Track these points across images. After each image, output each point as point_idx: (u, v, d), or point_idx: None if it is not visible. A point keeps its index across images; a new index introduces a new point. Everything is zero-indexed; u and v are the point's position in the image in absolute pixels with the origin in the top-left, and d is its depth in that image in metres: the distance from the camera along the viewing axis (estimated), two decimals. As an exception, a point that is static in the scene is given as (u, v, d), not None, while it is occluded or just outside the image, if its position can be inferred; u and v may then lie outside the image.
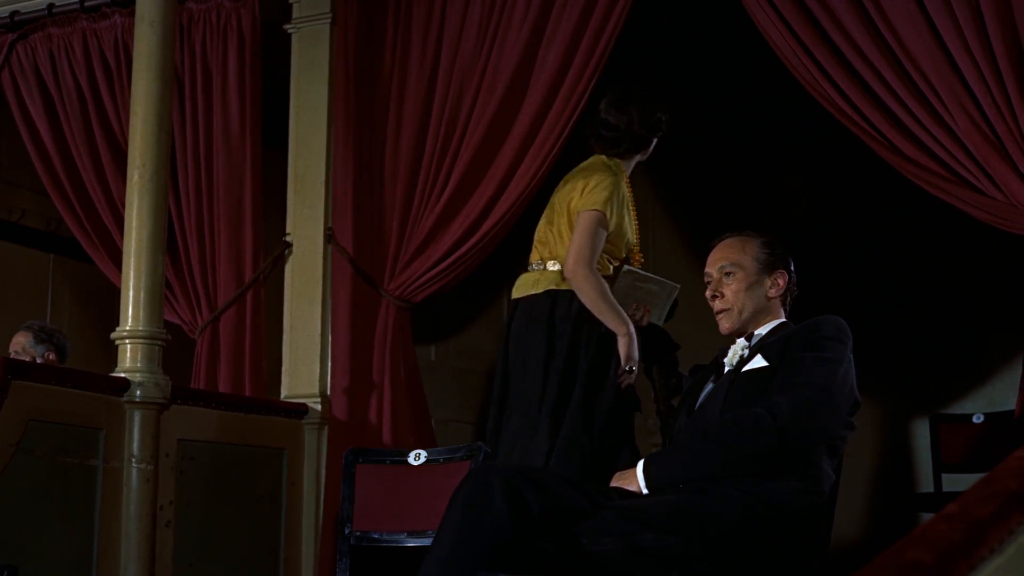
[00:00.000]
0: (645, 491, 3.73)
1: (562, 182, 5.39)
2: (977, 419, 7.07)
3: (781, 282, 4.06)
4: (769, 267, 4.07)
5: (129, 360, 4.92)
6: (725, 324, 4.07)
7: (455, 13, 5.89)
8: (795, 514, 3.62)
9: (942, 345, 7.56)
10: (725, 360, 4.04)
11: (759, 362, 3.88)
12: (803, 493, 3.66)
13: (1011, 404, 4.97)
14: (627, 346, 5.08)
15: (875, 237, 7.76)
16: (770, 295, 4.05)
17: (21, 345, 6.48)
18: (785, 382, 3.73)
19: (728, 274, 4.07)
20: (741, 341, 4.03)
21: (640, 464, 3.81)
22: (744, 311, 4.03)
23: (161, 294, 5.03)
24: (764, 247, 4.12)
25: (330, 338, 5.93)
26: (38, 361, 6.33)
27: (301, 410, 5.79)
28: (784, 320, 4.08)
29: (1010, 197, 4.68)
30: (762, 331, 4.04)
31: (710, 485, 3.63)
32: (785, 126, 7.84)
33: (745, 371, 3.90)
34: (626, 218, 5.34)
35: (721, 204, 7.96)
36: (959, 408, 7.40)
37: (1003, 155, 4.68)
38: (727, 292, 4.06)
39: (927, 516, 6.93)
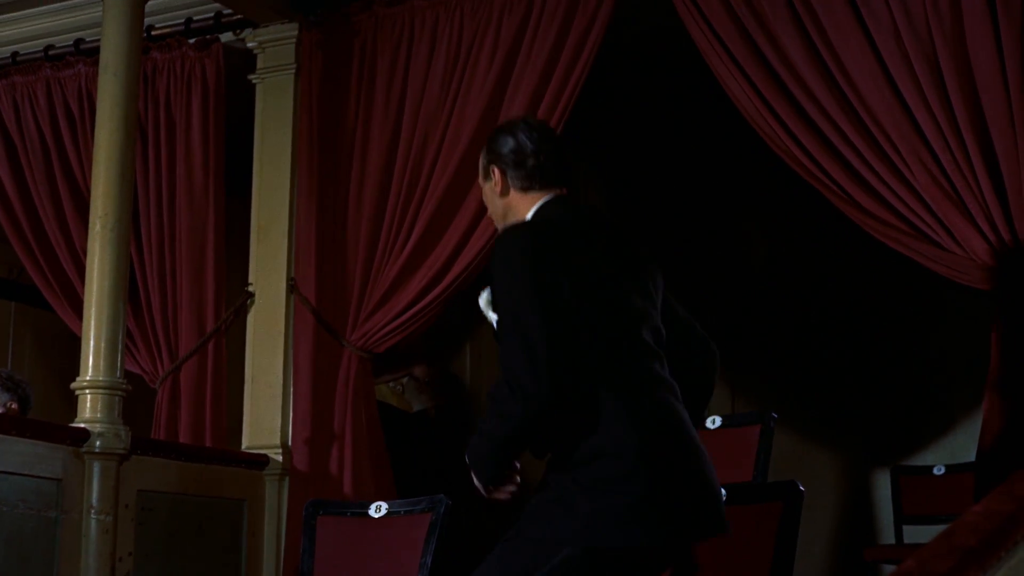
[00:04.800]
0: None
1: None
2: (938, 470, 7.09)
3: (497, 177, 3.57)
4: (486, 171, 3.62)
5: (89, 410, 4.90)
6: None
7: (419, 64, 5.91)
8: (601, 467, 3.26)
9: (903, 396, 7.58)
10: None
11: (493, 316, 3.45)
12: (600, 449, 3.27)
13: (972, 455, 4.98)
14: None
15: (835, 287, 7.79)
16: (501, 196, 3.58)
17: (-15, 391, 6.43)
18: (501, 336, 3.32)
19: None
20: (486, 293, 3.52)
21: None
22: (499, 223, 3.63)
23: (122, 344, 5.02)
24: (482, 152, 3.67)
25: (292, 389, 5.92)
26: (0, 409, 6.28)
27: (262, 461, 5.77)
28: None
29: (968, 251, 4.71)
30: None
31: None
32: (745, 173, 7.88)
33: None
34: None
35: (681, 251, 7.99)
36: (920, 459, 7.41)
37: (961, 209, 4.72)
38: None
39: (888, 568, 6.95)
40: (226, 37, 6.36)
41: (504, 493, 3.44)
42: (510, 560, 3.30)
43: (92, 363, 4.93)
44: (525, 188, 3.54)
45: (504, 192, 3.57)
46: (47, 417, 5.79)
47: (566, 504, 3.26)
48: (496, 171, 3.57)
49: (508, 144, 3.56)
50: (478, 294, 3.52)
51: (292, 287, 6.00)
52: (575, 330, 3.27)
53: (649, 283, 3.53)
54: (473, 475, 3.43)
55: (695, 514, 3.31)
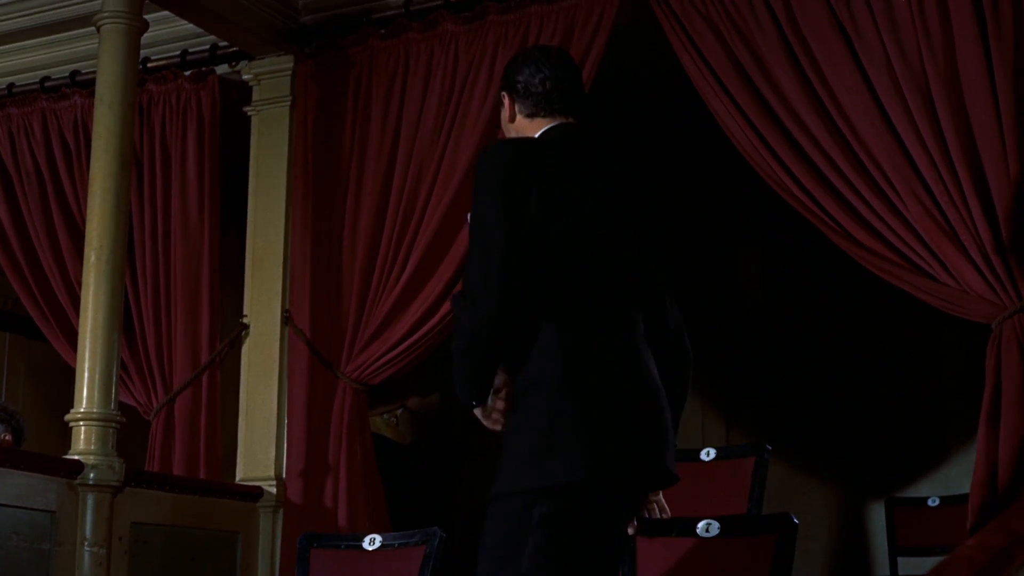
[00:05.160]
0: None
1: None
2: (932, 502, 7.08)
3: (507, 103, 3.64)
4: (499, 97, 3.69)
5: (83, 442, 4.89)
6: None
7: (414, 97, 5.93)
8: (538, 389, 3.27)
9: (897, 428, 7.58)
10: None
11: None
12: (530, 382, 3.29)
13: (966, 487, 4.98)
14: None
15: (830, 320, 7.80)
16: (510, 122, 3.65)
17: (-20, 422, 6.42)
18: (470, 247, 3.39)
19: None
20: None
21: None
22: None
23: (116, 375, 5.02)
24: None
25: (286, 420, 5.91)
26: (-7, 441, 6.27)
27: (256, 493, 5.76)
28: None
29: (962, 283, 4.73)
30: None
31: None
32: (740, 204, 7.89)
33: None
34: None
35: (676, 286, 7.99)
36: (914, 491, 7.41)
37: (955, 242, 4.73)
38: None
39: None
40: (221, 69, 6.39)
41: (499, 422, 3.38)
42: (493, 537, 3.27)
43: (86, 395, 4.93)
44: (531, 114, 3.58)
45: (512, 118, 3.62)
46: (41, 449, 5.78)
47: (506, 449, 3.28)
48: (506, 97, 3.63)
49: (518, 72, 3.61)
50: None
51: (287, 319, 6.00)
52: (536, 251, 3.27)
53: (640, 221, 3.52)
54: None
55: (624, 455, 3.26)
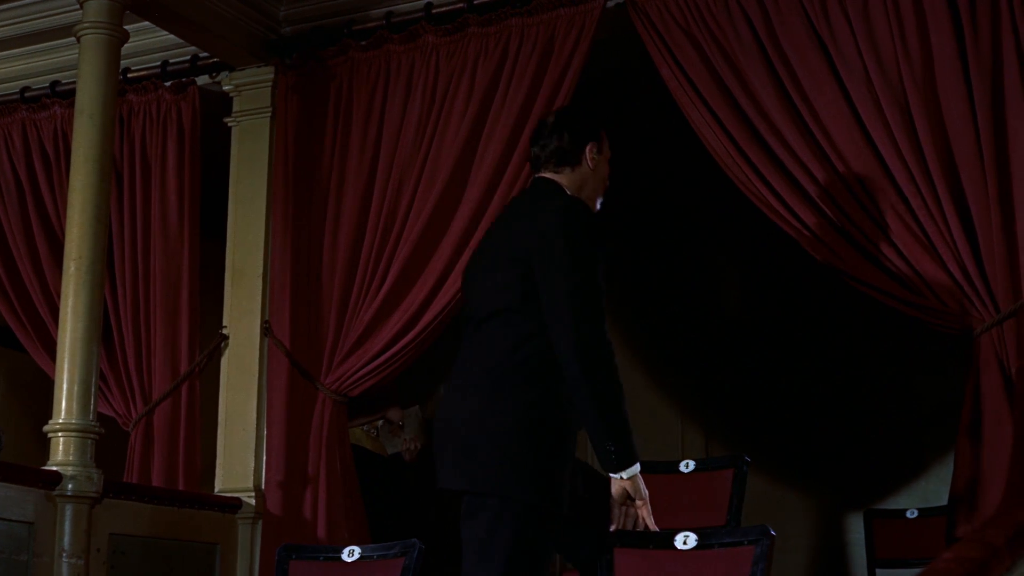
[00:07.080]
0: None
1: None
2: (911, 514, 7.09)
3: None
4: None
5: (61, 453, 4.88)
6: None
7: (395, 108, 5.93)
8: None
9: (876, 440, 7.60)
10: None
11: None
12: None
13: (944, 499, 5.00)
14: None
15: (809, 331, 7.82)
16: None
17: (-43, 435, 6.40)
18: None
19: None
20: None
21: None
22: None
23: (95, 386, 5.01)
24: None
25: (265, 432, 5.90)
26: (-31, 453, 6.25)
27: (235, 504, 5.75)
28: None
29: (940, 296, 4.75)
30: None
31: None
32: (718, 215, 7.90)
33: None
34: None
35: (655, 294, 8.01)
36: (893, 503, 7.42)
37: (933, 255, 4.76)
38: None
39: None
40: (202, 80, 6.39)
41: None
42: None
43: (65, 406, 4.92)
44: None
45: None
46: (20, 460, 5.75)
47: None
48: None
49: None
50: None
51: (266, 330, 6.00)
52: None
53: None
54: None
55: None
